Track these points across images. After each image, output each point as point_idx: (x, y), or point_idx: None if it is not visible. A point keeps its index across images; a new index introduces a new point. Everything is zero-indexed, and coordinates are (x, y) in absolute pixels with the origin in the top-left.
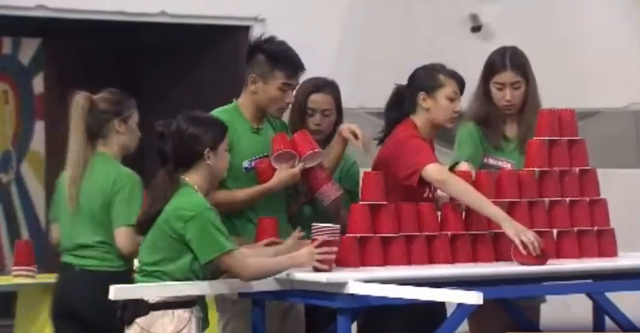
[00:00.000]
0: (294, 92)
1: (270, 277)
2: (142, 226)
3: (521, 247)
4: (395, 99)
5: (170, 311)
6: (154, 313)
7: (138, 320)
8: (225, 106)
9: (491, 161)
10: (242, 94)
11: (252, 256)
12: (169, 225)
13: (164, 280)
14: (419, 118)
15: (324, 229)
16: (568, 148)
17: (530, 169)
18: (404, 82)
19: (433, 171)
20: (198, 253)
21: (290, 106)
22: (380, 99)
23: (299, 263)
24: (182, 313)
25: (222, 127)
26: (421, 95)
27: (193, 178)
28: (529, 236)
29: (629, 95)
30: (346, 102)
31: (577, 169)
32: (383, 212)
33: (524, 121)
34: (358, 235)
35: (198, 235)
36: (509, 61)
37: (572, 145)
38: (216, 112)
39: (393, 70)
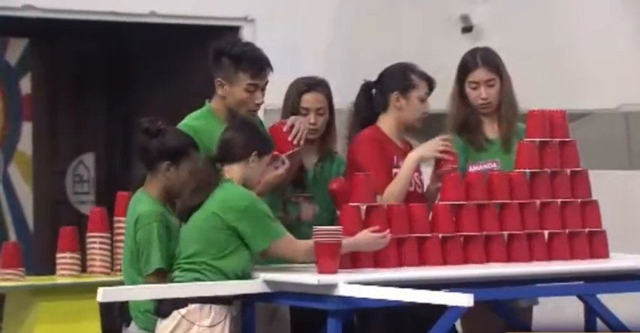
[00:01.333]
0: (287, 91)
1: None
2: (182, 217)
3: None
4: (364, 96)
5: (208, 305)
6: (192, 306)
7: (175, 312)
8: (199, 111)
9: (475, 168)
10: (213, 98)
11: None
12: (220, 218)
13: (207, 275)
14: (390, 117)
15: (327, 231)
16: (559, 149)
17: (521, 170)
18: None
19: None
20: (253, 242)
21: (278, 106)
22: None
23: (355, 245)
24: (219, 309)
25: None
26: (395, 95)
27: (233, 174)
28: None
29: (621, 96)
30: (337, 102)
31: (568, 170)
32: (374, 213)
33: (503, 119)
34: (349, 237)
35: (253, 225)
36: (480, 59)
37: (563, 147)
38: (191, 119)
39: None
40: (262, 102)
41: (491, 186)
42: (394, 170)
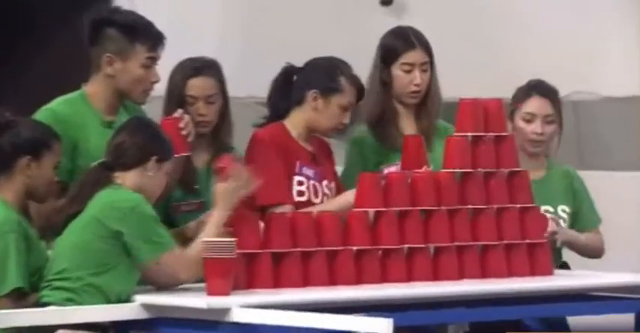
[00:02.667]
0: (170, 77)
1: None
2: (57, 229)
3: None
4: (283, 81)
5: None
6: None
7: None
8: (69, 96)
9: (391, 170)
10: (90, 80)
11: None
12: (101, 223)
13: (82, 296)
14: (301, 116)
15: (218, 245)
16: (495, 145)
17: (450, 170)
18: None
19: None
20: (139, 252)
21: (162, 93)
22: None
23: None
24: None
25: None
26: (313, 93)
27: (126, 184)
28: None
29: (569, 83)
30: (232, 90)
31: (505, 170)
32: (275, 223)
33: (425, 113)
34: (245, 251)
35: (141, 230)
36: (415, 38)
37: (499, 142)
38: (58, 103)
39: (290, 51)
40: (159, 80)
41: (415, 190)
42: (296, 178)
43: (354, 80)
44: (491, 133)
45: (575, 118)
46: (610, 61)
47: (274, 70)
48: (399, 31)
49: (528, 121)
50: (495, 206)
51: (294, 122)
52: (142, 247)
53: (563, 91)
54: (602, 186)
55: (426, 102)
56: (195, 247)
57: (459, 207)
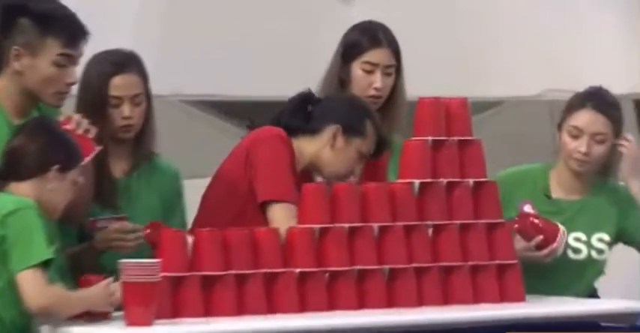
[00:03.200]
0: (85, 75)
1: (66, 314)
2: None
3: None
4: (297, 106)
5: None
6: None
7: None
8: None
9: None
10: None
11: None
12: None
13: None
14: (312, 147)
15: (139, 267)
16: (459, 151)
17: (407, 180)
18: (236, 58)
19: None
20: (11, 262)
21: (78, 93)
22: (201, 83)
23: (92, 304)
24: None
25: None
26: (334, 128)
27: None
28: None
29: (543, 81)
30: (155, 87)
31: (471, 180)
32: (205, 242)
33: (387, 122)
34: (170, 273)
35: (21, 235)
36: (384, 36)
37: (464, 148)
38: None
39: (221, 42)
40: (76, 81)
41: (366, 203)
42: None
43: (379, 129)
44: (454, 137)
45: (550, 119)
46: (590, 57)
47: (202, 66)
48: (367, 26)
49: (574, 137)
50: (459, 222)
51: (300, 149)
52: (14, 256)
53: (536, 89)
54: None
55: (387, 112)
56: (63, 290)
57: (418, 223)
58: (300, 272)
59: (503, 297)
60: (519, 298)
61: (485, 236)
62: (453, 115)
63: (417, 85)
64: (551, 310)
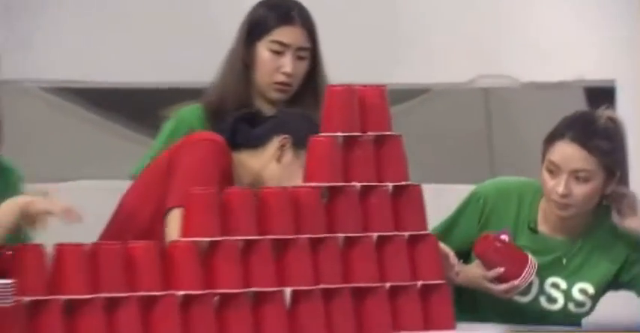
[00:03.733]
0: None
1: None
2: None
3: None
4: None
5: None
6: None
7: None
8: None
9: None
10: None
11: None
12: None
13: None
14: (254, 161)
15: None
16: (375, 149)
17: (313, 184)
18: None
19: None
20: None
21: None
22: (63, 67)
23: None
24: None
25: None
26: (283, 139)
27: None
28: None
29: (475, 66)
30: (5, 72)
31: (390, 184)
32: (69, 259)
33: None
34: (27, 297)
35: None
36: (298, 14)
37: (382, 145)
38: None
39: (81, 11)
40: None
41: (265, 211)
42: None
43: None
44: (370, 133)
45: (484, 109)
46: (530, 41)
47: (64, 49)
48: (278, 2)
49: (553, 173)
50: (376, 234)
51: (242, 163)
52: None
53: (468, 75)
54: None
55: (300, 106)
56: None
57: (326, 235)
58: (184, 295)
59: (428, 324)
60: (448, 326)
61: (406, 251)
62: (368, 106)
63: (337, 72)
64: None
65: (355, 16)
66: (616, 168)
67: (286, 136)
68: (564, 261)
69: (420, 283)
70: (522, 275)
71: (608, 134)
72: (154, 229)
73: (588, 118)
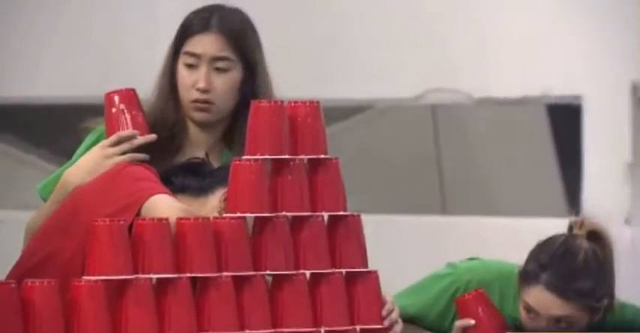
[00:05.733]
0: None
1: None
2: None
3: None
4: None
5: None
6: None
7: None
8: None
9: None
10: None
11: None
12: None
13: None
14: None
15: None
16: (309, 175)
17: (237, 214)
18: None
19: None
20: None
21: None
22: None
23: None
24: None
25: None
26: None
27: None
28: None
29: (424, 80)
30: None
31: (325, 214)
32: None
33: (236, 145)
34: None
35: None
36: (217, 20)
37: (315, 170)
38: None
39: None
40: None
41: (183, 244)
42: None
43: None
44: (302, 156)
45: (434, 129)
46: (488, 53)
47: None
48: (203, 8)
49: (529, 312)
50: (309, 272)
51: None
52: None
53: (414, 91)
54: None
55: (235, 125)
56: None
57: (252, 273)
58: None
59: None
60: None
61: (344, 291)
62: (300, 125)
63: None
64: None
65: (288, 25)
66: (601, 302)
67: None
68: None
69: (359, 327)
70: None
71: (588, 272)
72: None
73: (566, 254)
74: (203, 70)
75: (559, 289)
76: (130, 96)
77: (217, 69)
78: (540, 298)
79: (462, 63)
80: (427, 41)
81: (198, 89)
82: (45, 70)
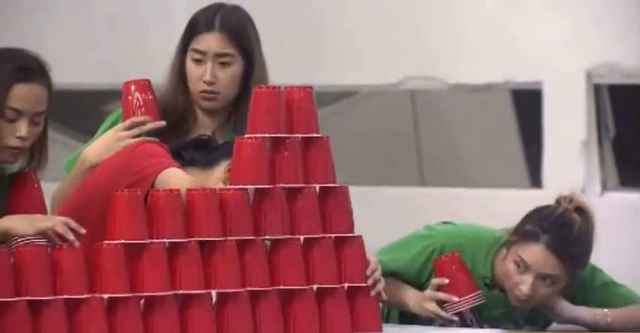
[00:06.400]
0: None
1: None
2: None
3: None
4: None
5: None
6: None
7: None
8: None
9: None
10: None
11: None
12: None
13: None
14: None
15: None
16: (303, 151)
17: (240, 186)
18: None
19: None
20: None
21: None
22: None
23: None
24: None
25: None
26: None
27: None
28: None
29: (403, 68)
30: None
31: (317, 185)
32: None
33: (239, 126)
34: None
35: None
36: (219, 19)
37: (308, 147)
38: None
39: None
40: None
41: (190, 213)
42: None
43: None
44: (297, 134)
45: (412, 110)
46: (460, 42)
47: None
48: (208, 7)
49: (520, 269)
50: (302, 237)
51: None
52: None
53: (395, 77)
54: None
55: (237, 111)
56: None
57: (253, 238)
58: (110, 298)
59: (355, 326)
60: (374, 328)
61: (333, 253)
62: (295, 108)
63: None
64: None
65: (282, 18)
66: (581, 269)
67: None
68: (515, 314)
69: (346, 285)
70: (465, 297)
71: (581, 242)
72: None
73: (565, 223)
74: (208, 64)
75: (558, 251)
76: (145, 85)
77: (221, 63)
78: (539, 255)
79: (438, 53)
80: (406, 34)
81: (204, 81)
82: (74, 60)
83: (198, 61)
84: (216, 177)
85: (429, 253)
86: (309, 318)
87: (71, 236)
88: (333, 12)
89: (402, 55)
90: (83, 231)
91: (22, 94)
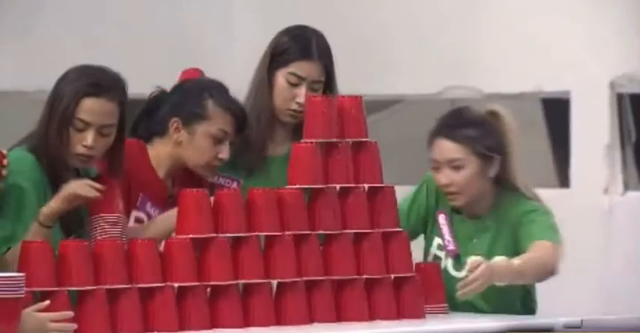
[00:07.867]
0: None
1: None
2: None
3: None
4: (151, 106)
5: None
6: None
7: None
8: None
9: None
10: None
11: None
12: None
13: None
14: (163, 149)
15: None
16: (353, 154)
17: (296, 186)
18: None
19: None
20: None
21: None
22: None
23: None
24: None
25: None
26: (174, 122)
27: None
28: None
29: (444, 78)
30: None
31: (366, 186)
32: (73, 254)
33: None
34: (36, 288)
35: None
36: (316, 47)
37: (358, 150)
38: None
39: None
40: None
41: (252, 211)
42: (134, 213)
43: (228, 104)
44: (348, 139)
45: None
46: (492, 54)
47: None
48: (300, 33)
49: (436, 169)
50: (353, 231)
51: (155, 153)
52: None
53: (436, 87)
54: None
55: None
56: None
57: (308, 232)
58: (179, 287)
59: (400, 313)
60: (418, 315)
61: (381, 247)
62: (346, 115)
63: None
64: (452, 327)
65: (325, 27)
66: (491, 152)
67: (175, 118)
68: (475, 241)
69: (392, 275)
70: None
71: (476, 123)
72: None
73: (456, 112)
74: (303, 89)
75: (450, 134)
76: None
77: (313, 89)
78: (438, 146)
79: (475, 65)
80: (446, 47)
81: (297, 103)
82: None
83: (292, 84)
84: (172, 139)
85: (424, 188)
86: (359, 305)
87: (93, 193)
88: (380, 29)
89: (442, 67)
90: (99, 186)
91: (90, 107)
